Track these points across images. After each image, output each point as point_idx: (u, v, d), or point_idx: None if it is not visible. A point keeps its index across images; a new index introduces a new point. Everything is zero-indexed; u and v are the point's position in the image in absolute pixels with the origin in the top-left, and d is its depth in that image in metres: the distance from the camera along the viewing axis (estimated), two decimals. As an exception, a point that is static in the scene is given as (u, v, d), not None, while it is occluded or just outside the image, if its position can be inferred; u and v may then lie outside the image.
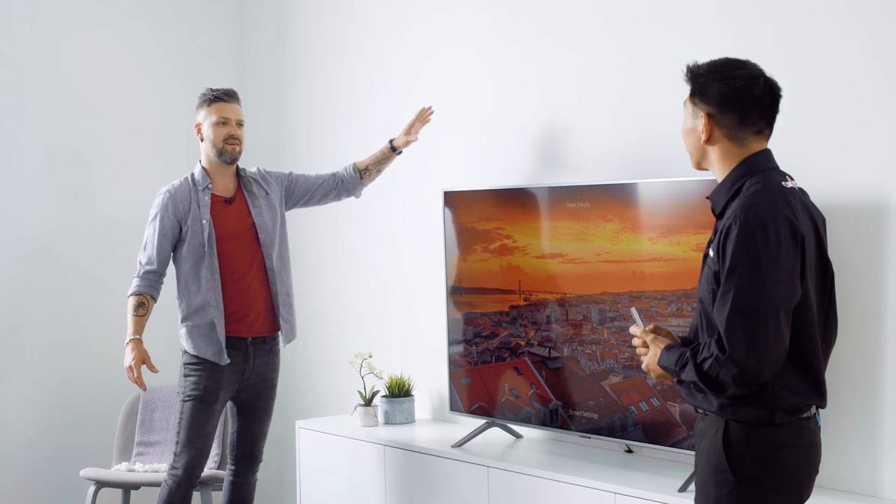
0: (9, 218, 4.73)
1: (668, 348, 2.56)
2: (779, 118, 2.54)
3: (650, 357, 2.60)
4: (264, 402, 4.10)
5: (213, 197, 4.02)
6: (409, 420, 4.31)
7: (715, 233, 2.51)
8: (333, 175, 4.25)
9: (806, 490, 2.49)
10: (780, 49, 3.24)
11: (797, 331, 2.41)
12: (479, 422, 3.96)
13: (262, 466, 5.16)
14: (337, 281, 4.89)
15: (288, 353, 5.12)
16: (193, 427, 3.93)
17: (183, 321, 3.98)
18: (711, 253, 2.47)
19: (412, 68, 4.51)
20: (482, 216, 3.93)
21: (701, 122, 2.52)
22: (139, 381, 3.91)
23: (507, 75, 4.13)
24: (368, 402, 4.32)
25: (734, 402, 2.43)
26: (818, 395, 2.47)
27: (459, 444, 3.87)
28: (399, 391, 4.32)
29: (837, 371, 3.08)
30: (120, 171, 5.01)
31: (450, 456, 3.80)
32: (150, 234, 4.01)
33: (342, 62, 4.83)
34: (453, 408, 4.06)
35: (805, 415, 2.45)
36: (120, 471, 4.50)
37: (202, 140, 4.03)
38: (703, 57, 2.57)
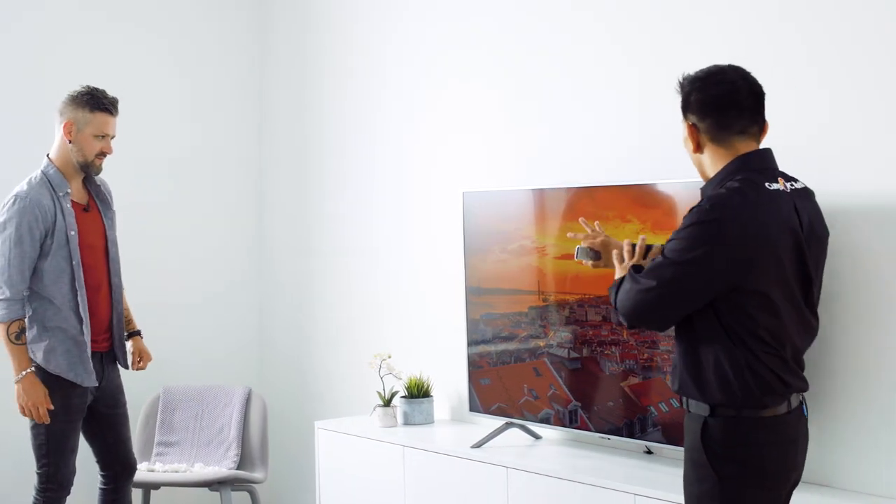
0: None
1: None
2: (779, 119, 2.55)
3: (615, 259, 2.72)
4: (122, 407, 3.92)
5: (73, 203, 3.69)
6: (429, 421, 4.31)
7: None
8: None
9: (783, 485, 2.54)
10: (784, 50, 3.24)
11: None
12: (499, 422, 3.96)
13: (281, 467, 5.19)
14: (356, 282, 4.89)
15: (308, 353, 5.14)
16: (68, 448, 3.71)
17: (38, 338, 3.64)
18: None
19: (427, 69, 4.51)
20: (501, 217, 3.93)
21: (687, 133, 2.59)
22: (45, 416, 3.62)
23: (525, 75, 4.12)
24: (387, 403, 4.32)
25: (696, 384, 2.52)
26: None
27: (479, 445, 3.87)
28: (418, 392, 4.32)
29: (847, 370, 3.10)
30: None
31: (469, 457, 3.80)
32: (11, 249, 3.55)
33: (355, 62, 4.83)
34: (472, 408, 4.06)
35: (782, 410, 2.50)
36: (140, 471, 4.50)
37: (70, 142, 3.64)
38: (720, 56, 2.58)
